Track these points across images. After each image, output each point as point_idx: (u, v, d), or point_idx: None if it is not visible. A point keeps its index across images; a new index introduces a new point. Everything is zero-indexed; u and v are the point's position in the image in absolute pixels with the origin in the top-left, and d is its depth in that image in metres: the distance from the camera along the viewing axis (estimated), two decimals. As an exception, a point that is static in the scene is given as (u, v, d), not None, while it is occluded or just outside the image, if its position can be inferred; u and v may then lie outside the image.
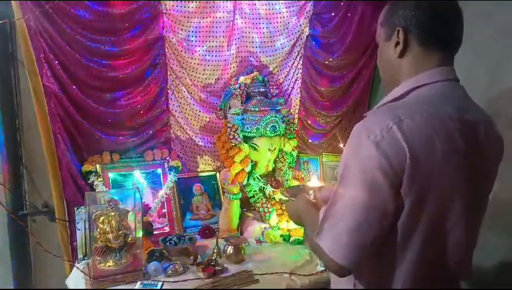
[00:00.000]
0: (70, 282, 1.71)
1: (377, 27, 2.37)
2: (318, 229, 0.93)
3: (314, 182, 1.48)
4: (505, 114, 1.66)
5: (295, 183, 2.17)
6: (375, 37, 1.08)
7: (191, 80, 2.15)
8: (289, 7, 2.24)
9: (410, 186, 0.84)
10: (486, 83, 1.78)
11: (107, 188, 1.93)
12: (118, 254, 1.64)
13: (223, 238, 1.92)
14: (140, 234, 1.70)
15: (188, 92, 2.17)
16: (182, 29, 2.05)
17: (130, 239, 1.66)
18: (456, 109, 0.90)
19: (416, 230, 0.88)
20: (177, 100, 2.17)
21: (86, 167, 1.93)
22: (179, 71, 2.12)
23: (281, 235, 2.04)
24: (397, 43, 0.96)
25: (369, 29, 2.31)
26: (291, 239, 2.04)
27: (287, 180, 2.18)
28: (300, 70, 2.39)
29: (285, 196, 1.65)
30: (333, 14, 2.29)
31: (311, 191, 1.39)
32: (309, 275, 1.72)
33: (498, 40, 1.75)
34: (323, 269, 1.75)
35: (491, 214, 1.03)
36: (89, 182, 1.93)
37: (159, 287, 1.58)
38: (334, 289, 1.10)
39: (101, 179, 1.94)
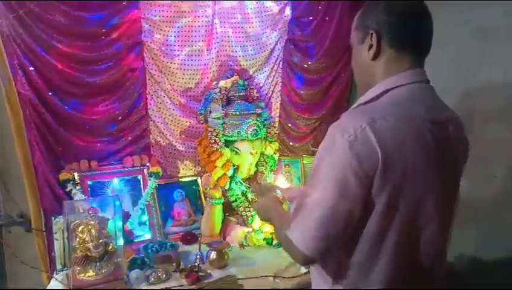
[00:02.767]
0: (49, 294, 1.66)
1: (354, 31, 2.40)
2: (288, 222, 0.97)
3: (281, 182, 1.49)
4: (480, 110, 1.71)
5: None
6: (350, 41, 1.10)
7: (170, 84, 2.13)
8: (268, 11, 2.25)
9: (382, 186, 0.86)
10: (463, 81, 1.83)
11: (85, 197, 1.89)
12: (98, 263, 1.61)
13: (205, 243, 1.90)
14: (121, 242, 1.67)
15: (168, 96, 2.15)
16: (160, 34, 2.04)
17: (110, 248, 1.63)
18: (426, 109, 0.93)
19: (390, 229, 0.90)
20: (157, 105, 2.15)
21: (64, 175, 1.88)
22: (158, 76, 2.10)
23: (264, 239, 2.04)
24: (370, 46, 0.98)
25: (346, 33, 2.28)
26: (274, 242, 2.04)
27: (269, 183, 2.18)
28: (280, 74, 2.41)
29: (253, 193, 1.78)
30: (311, 18, 2.32)
31: (278, 191, 1.38)
32: (292, 277, 1.72)
33: (474, 41, 1.80)
34: (307, 271, 1.76)
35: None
36: (67, 190, 1.88)
37: (141, 296, 1.55)
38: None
39: (79, 187, 1.90)
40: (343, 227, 0.89)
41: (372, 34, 0.97)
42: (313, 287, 1.12)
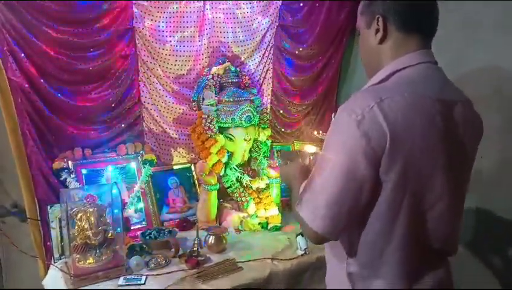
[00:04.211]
0: (48, 283, 1.65)
1: (343, 18, 2.42)
2: (299, 200, 0.99)
3: (309, 147, 1.47)
4: (468, 97, 1.77)
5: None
6: (356, 26, 1.10)
7: (162, 71, 2.11)
8: (259, -3, 2.25)
9: (390, 165, 0.87)
10: (450, 68, 1.86)
11: (80, 185, 1.88)
12: (98, 251, 1.61)
13: (203, 229, 1.92)
14: (120, 229, 1.68)
15: (160, 83, 2.14)
16: (152, 20, 2.01)
17: (110, 235, 1.63)
18: (435, 89, 0.94)
19: (401, 207, 0.92)
20: (149, 92, 2.14)
21: (57, 164, 1.85)
22: (150, 62, 2.08)
23: (259, 223, 2.08)
24: (377, 30, 0.99)
25: (336, 19, 2.37)
26: (270, 226, 2.08)
27: (263, 169, 2.21)
28: (271, 60, 2.41)
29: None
30: (302, 4, 2.32)
31: (308, 157, 1.39)
32: (290, 259, 1.77)
33: (459, 30, 1.85)
34: (303, 252, 1.81)
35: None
36: (61, 179, 1.85)
37: (143, 281, 1.56)
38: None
39: (74, 176, 1.88)
40: (353, 206, 0.91)
41: (378, 18, 0.98)
42: (327, 266, 1.16)
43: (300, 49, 2.38)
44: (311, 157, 1.38)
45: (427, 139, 0.90)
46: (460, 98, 1.01)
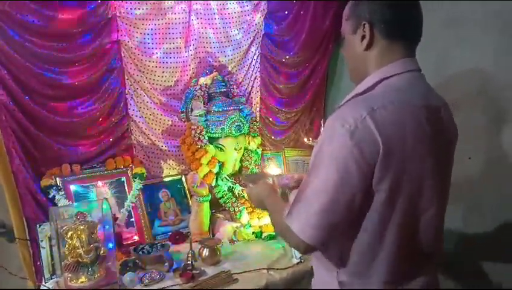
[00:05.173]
0: (39, 304, 1.61)
1: (328, 25, 2.43)
2: (289, 211, 0.97)
3: (273, 169, 1.50)
4: (450, 97, 1.79)
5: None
6: (340, 31, 1.09)
7: (149, 83, 2.10)
8: (243, 6, 2.25)
9: (384, 174, 0.88)
10: (434, 69, 1.88)
11: (69, 202, 1.84)
12: (90, 269, 1.57)
13: (197, 241, 1.90)
14: (112, 245, 1.64)
15: (148, 96, 2.12)
16: (137, 32, 2.00)
17: (102, 252, 1.59)
18: (421, 96, 0.96)
19: (392, 216, 0.92)
20: (137, 105, 2.11)
21: (45, 181, 1.82)
22: (137, 75, 2.06)
23: (253, 233, 2.06)
24: (363, 37, 0.99)
25: (321, 26, 2.38)
26: (264, 235, 2.07)
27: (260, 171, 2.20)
28: (259, 69, 2.42)
29: (245, 183, 1.80)
30: (286, 12, 2.34)
31: (270, 178, 1.41)
32: (286, 268, 1.75)
33: (445, 29, 1.86)
34: (298, 261, 1.79)
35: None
36: (50, 197, 1.82)
37: (137, 298, 1.54)
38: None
39: (63, 193, 1.84)
40: (344, 216, 0.91)
41: (364, 24, 0.97)
42: (315, 275, 1.15)
43: (287, 57, 2.39)
44: (275, 179, 1.39)
45: (418, 145, 0.92)
46: (442, 103, 1.03)
